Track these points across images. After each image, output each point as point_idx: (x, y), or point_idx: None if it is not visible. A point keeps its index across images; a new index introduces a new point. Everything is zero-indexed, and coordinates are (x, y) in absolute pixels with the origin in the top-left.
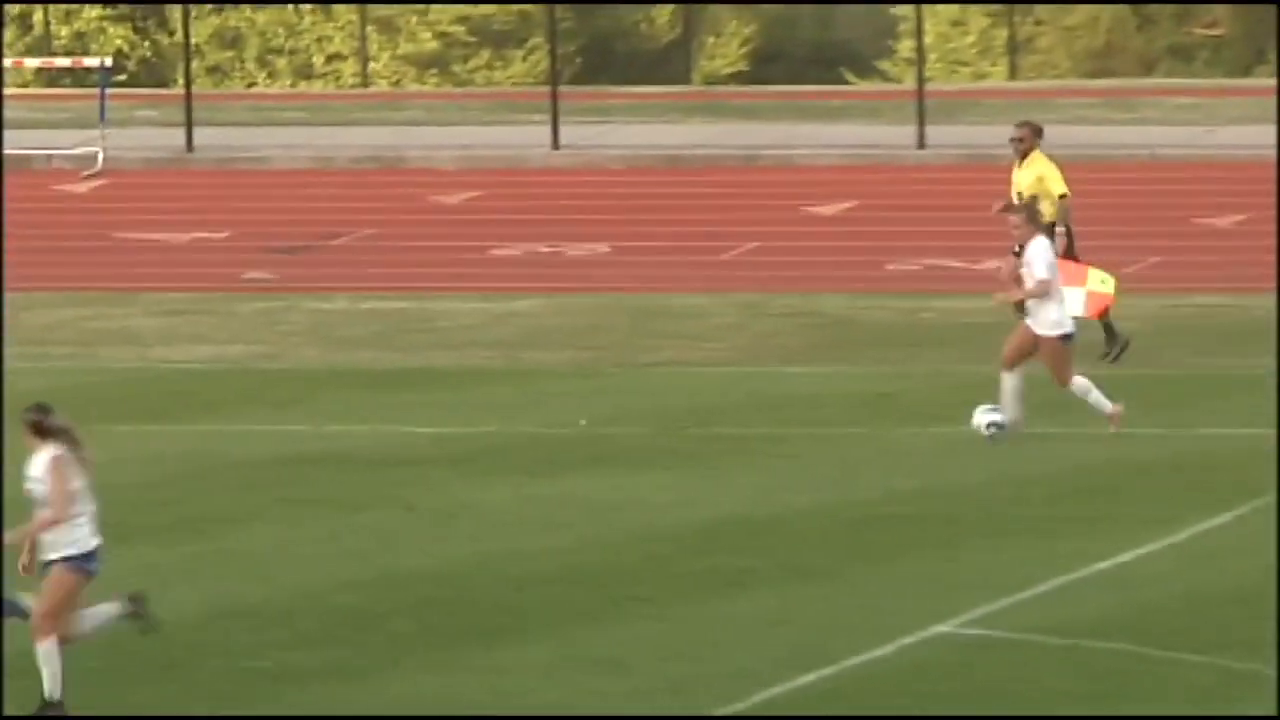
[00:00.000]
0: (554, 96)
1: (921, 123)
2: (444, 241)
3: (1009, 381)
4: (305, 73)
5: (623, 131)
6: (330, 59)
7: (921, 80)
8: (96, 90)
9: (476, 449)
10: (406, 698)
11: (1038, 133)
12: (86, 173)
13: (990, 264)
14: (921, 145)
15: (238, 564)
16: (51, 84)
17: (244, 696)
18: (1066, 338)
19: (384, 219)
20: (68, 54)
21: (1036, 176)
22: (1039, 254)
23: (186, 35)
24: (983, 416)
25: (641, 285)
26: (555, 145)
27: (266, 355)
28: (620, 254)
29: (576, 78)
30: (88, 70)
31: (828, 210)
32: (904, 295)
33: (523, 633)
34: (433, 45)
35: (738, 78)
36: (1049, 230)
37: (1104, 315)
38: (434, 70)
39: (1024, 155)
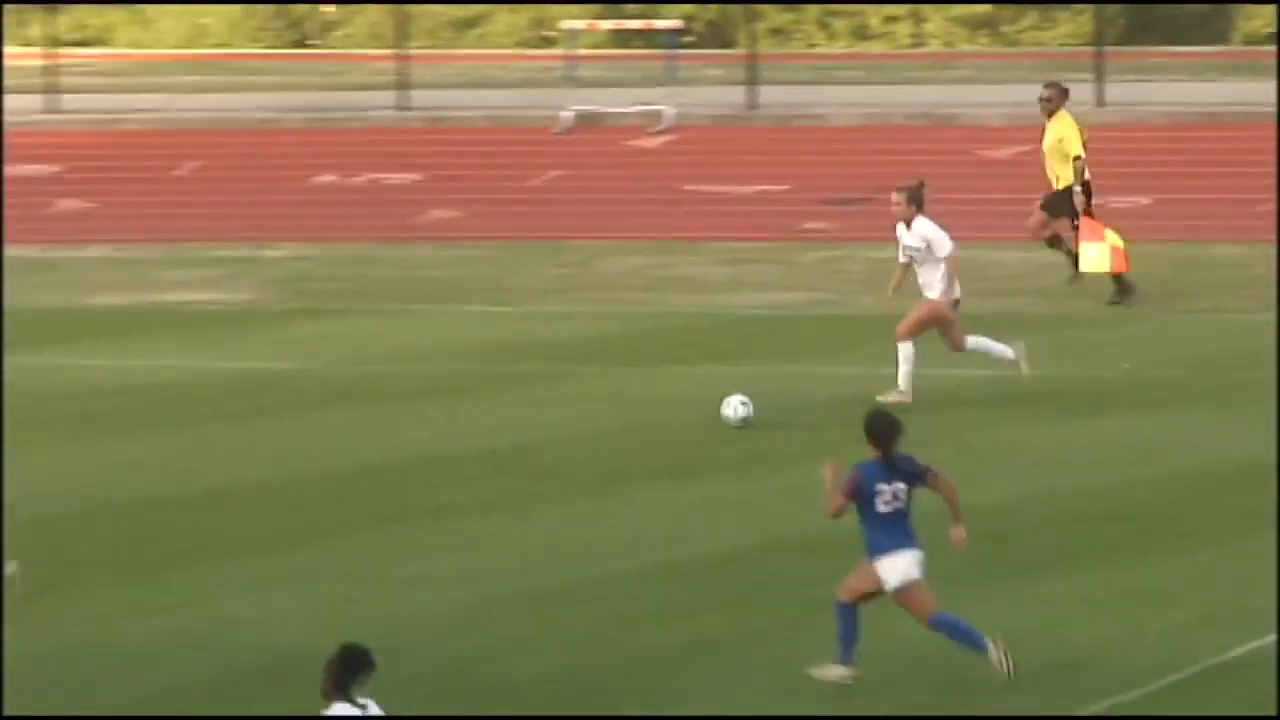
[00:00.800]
0: (1098, 56)
1: None
2: (992, 194)
3: (904, 350)
4: (862, 34)
5: (1165, 89)
6: (887, 20)
7: None
8: (666, 51)
9: (1027, 391)
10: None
11: (1064, 93)
12: (656, 129)
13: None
14: None
15: (800, 498)
16: (623, 45)
17: (812, 623)
18: (956, 303)
19: (936, 173)
20: (639, 16)
21: (1057, 137)
22: (933, 230)
23: None
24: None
25: (1181, 235)
26: (1100, 102)
27: (825, 302)
28: (1161, 206)
29: (1120, 38)
30: (658, 32)
31: None
32: None
33: (1068, 566)
34: (984, 7)
35: (1277, 38)
36: (1066, 192)
37: (1128, 268)
38: (984, 31)
39: (1051, 115)
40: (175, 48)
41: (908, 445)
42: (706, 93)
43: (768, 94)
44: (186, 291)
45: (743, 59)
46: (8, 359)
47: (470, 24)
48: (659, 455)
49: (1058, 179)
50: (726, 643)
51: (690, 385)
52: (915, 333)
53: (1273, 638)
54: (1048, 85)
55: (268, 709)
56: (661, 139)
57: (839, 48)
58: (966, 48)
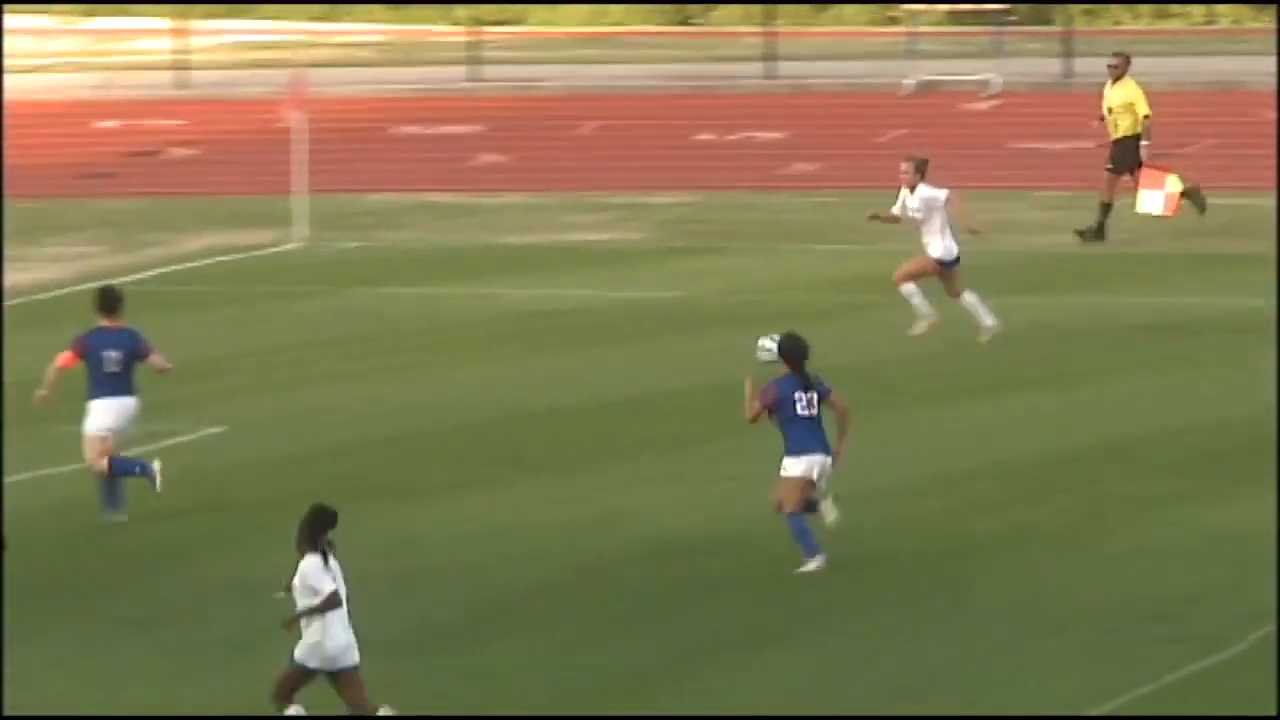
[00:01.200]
0: None
1: None
2: (1269, 150)
3: (907, 288)
4: (1162, 13)
5: None
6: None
7: None
8: (994, 28)
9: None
10: (1232, 518)
11: (1128, 61)
12: (985, 94)
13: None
14: None
15: (1107, 409)
16: (957, 23)
17: (1115, 516)
18: (956, 260)
19: (1224, 131)
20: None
21: (1128, 99)
22: (930, 192)
23: None
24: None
25: None
26: None
27: (1125, 242)
28: None
29: None
30: (987, 12)
31: None
32: None
33: None
34: None
35: None
36: (1127, 143)
37: (1178, 211)
38: (1268, 9)
39: (1117, 79)
40: (580, 26)
41: (1186, 364)
42: (1028, 64)
43: (1080, 65)
44: (586, 232)
45: (1059, 35)
46: (433, 289)
47: (826, 6)
48: (979, 372)
49: (1116, 128)
50: (1039, 533)
51: (1004, 313)
52: (911, 278)
53: None
54: (1115, 54)
55: (649, 585)
56: (990, 103)
57: (1142, 25)
58: (1252, 24)
